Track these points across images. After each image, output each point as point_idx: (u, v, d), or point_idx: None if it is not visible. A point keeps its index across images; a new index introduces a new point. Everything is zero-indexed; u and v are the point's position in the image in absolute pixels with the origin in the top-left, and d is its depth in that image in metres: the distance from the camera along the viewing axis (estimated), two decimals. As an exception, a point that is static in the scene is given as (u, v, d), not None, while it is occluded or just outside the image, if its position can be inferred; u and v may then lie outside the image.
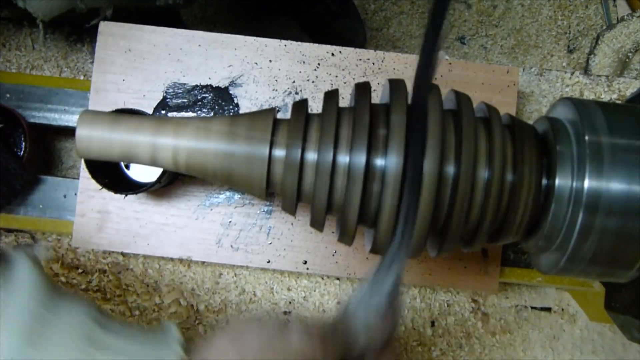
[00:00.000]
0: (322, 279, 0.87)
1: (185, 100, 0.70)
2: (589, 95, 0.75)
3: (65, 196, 0.72)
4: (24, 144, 0.72)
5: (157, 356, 0.38)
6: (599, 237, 0.45)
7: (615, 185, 0.45)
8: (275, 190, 0.50)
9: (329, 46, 0.70)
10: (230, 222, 0.69)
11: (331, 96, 0.49)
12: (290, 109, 0.57)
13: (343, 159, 0.46)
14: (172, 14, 0.94)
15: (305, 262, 0.69)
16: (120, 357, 0.38)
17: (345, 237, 0.49)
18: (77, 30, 0.75)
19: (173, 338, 0.40)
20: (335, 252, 0.69)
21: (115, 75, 0.69)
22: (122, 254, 0.84)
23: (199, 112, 0.70)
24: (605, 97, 0.75)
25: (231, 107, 0.70)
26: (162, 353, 0.39)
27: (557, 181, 0.47)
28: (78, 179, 0.70)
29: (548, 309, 0.91)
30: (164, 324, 0.41)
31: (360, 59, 0.70)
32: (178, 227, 0.69)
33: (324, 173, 0.46)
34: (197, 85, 0.70)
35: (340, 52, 0.70)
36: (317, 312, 0.86)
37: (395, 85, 0.49)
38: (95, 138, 0.46)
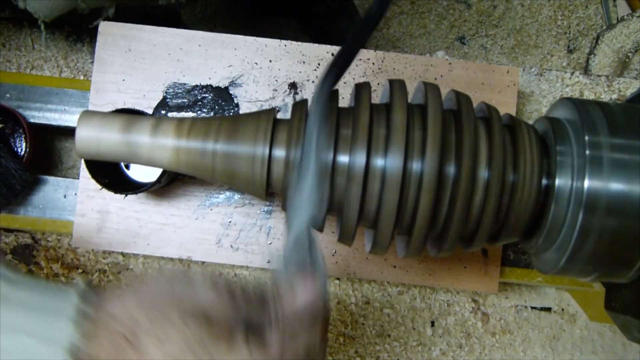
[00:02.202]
0: (322, 279, 0.87)
1: (185, 100, 0.70)
2: (589, 95, 0.75)
3: (65, 196, 0.72)
4: (24, 144, 0.72)
5: (56, 307, 0.36)
6: (599, 237, 0.45)
7: (615, 185, 0.45)
8: (275, 190, 0.50)
9: (329, 46, 0.70)
10: (230, 222, 0.69)
11: (331, 96, 0.49)
12: (290, 109, 0.57)
13: (343, 159, 0.46)
14: (173, 15, 0.94)
15: (305, 262, 0.69)
16: (15, 307, 0.36)
17: (345, 237, 0.49)
18: (77, 30, 0.75)
19: (75, 289, 0.38)
20: (335, 252, 0.69)
21: (115, 75, 0.69)
22: (122, 254, 0.84)
23: (199, 112, 0.70)
24: (605, 97, 0.75)
25: (231, 107, 0.70)
26: (60, 304, 0.37)
27: (557, 181, 0.47)
28: (78, 179, 0.70)
29: (548, 309, 0.91)
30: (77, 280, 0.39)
31: (360, 59, 0.70)
32: (178, 227, 0.69)
33: (324, 173, 0.46)
34: (197, 85, 0.70)
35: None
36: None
37: (395, 85, 0.49)
38: (95, 138, 0.46)
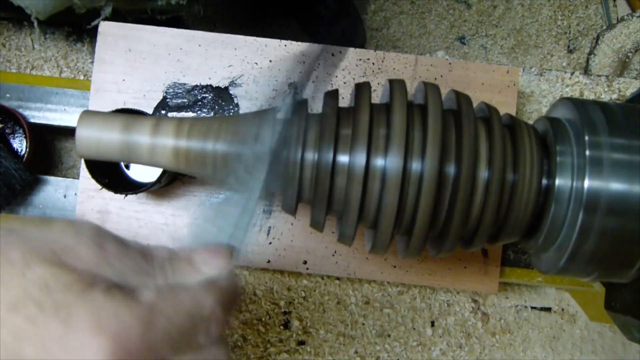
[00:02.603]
0: (322, 279, 0.87)
1: (185, 100, 0.70)
2: (589, 95, 0.75)
3: (65, 196, 0.72)
4: (24, 144, 0.72)
5: None
6: (599, 237, 0.45)
7: (615, 185, 0.45)
8: (275, 191, 0.50)
9: (329, 46, 0.70)
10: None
11: (331, 96, 0.50)
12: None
13: (343, 159, 0.46)
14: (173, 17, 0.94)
15: (305, 262, 0.69)
16: None
17: (345, 237, 0.49)
18: (77, 30, 0.75)
19: None
20: (335, 252, 0.69)
21: (115, 75, 0.69)
22: (122, 254, 0.84)
23: (199, 112, 0.70)
24: (605, 97, 0.75)
25: (231, 107, 0.70)
26: None
27: (557, 181, 0.47)
28: (78, 179, 0.70)
29: (548, 309, 0.91)
30: None
31: (360, 59, 0.70)
32: (178, 227, 0.69)
33: (324, 173, 0.46)
34: (197, 85, 0.70)
35: (340, 52, 0.70)
36: (317, 313, 0.86)
37: (395, 85, 0.49)
38: (95, 138, 0.46)
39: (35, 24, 0.63)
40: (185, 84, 0.70)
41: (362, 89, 0.49)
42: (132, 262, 0.32)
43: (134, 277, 0.31)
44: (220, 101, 0.70)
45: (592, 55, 1.08)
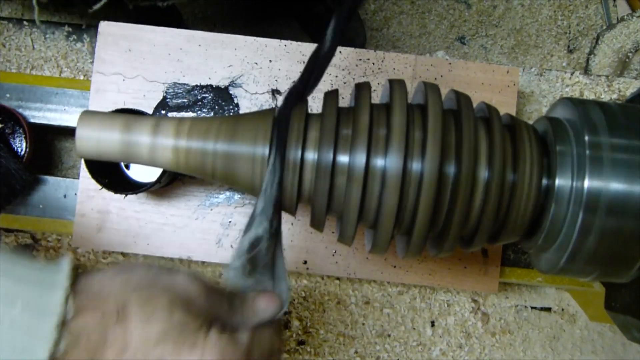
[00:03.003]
0: (322, 279, 0.87)
1: (185, 100, 0.70)
2: (589, 95, 0.75)
3: (65, 196, 0.72)
4: (24, 144, 0.72)
5: (50, 280, 0.37)
6: (599, 237, 0.45)
7: (615, 185, 0.45)
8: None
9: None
10: (230, 222, 0.69)
11: (331, 96, 0.49)
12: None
13: (343, 159, 0.46)
14: (173, 13, 0.94)
15: (305, 262, 0.69)
16: (11, 279, 0.37)
17: (345, 237, 0.49)
18: (77, 30, 0.75)
19: (66, 263, 0.38)
20: (335, 252, 0.69)
21: (115, 75, 0.69)
22: (122, 254, 0.84)
23: (199, 112, 0.70)
24: (605, 97, 0.75)
25: (231, 107, 0.70)
26: (53, 277, 0.37)
27: (557, 181, 0.47)
28: (78, 179, 0.70)
29: (548, 309, 0.91)
30: (61, 258, 0.40)
31: (360, 59, 0.70)
32: (178, 227, 0.69)
33: (324, 173, 0.46)
34: (197, 85, 0.70)
35: (340, 52, 0.70)
36: (317, 313, 0.86)
37: (395, 85, 0.49)
38: (95, 138, 0.46)
39: (35, 2, 0.62)
40: (185, 84, 0.70)
41: (362, 89, 0.49)
42: (224, 306, 0.42)
43: (225, 317, 0.41)
44: (220, 101, 0.70)
45: (592, 55, 1.08)
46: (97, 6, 0.66)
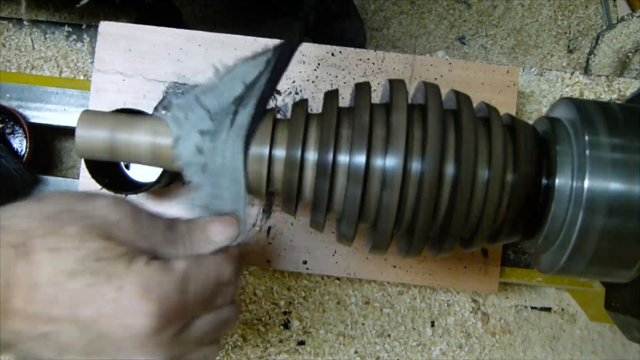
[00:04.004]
0: (322, 279, 0.87)
1: (185, 100, 0.70)
2: (589, 95, 0.75)
3: (65, 196, 0.72)
4: (24, 144, 0.72)
5: None
6: (599, 237, 0.45)
7: (615, 185, 0.45)
8: (275, 190, 0.50)
9: (329, 46, 0.70)
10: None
11: (331, 96, 0.49)
12: (290, 109, 0.57)
13: (343, 159, 0.46)
14: (173, 11, 0.94)
15: (305, 262, 0.69)
16: None
17: (345, 237, 0.49)
18: (77, 30, 0.75)
19: None
20: (335, 252, 0.69)
21: (115, 75, 0.69)
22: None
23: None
24: (605, 97, 0.75)
25: (231, 107, 0.70)
26: None
27: (557, 181, 0.47)
28: (78, 179, 0.70)
29: (548, 309, 0.91)
30: None
31: (360, 59, 0.70)
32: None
33: (324, 173, 0.46)
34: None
35: (340, 52, 0.70)
36: (317, 313, 0.86)
37: (395, 85, 0.49)
38: (95, 138, 0.46)
39: None
40: (185, 84, 0.70)
41: (362, 89, 0.49)
42: (161, 234, 0.37)
43: (163, 247, 0.37)
44: (220, 101, 0.70)
45: (592, 55, 1.08)
46: (83, 2, 0.66)
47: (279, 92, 0.70)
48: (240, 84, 0.45)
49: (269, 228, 0.69)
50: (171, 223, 0.39)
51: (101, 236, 0.34)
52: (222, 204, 0.42)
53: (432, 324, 0.88)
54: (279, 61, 0.46)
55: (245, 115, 0.44)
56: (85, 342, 0.33)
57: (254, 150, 0.47)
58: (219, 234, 0.40)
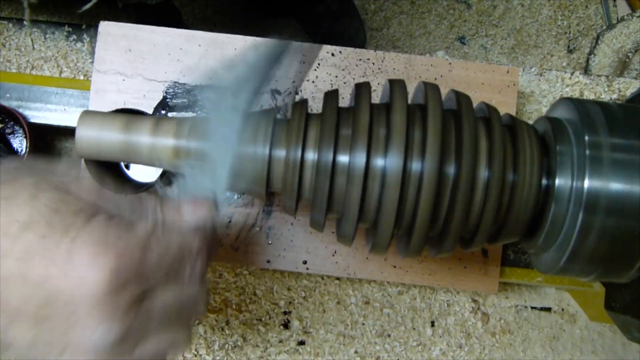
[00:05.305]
0: (322, 279, 0.87)
1: (185, 100, 0.70)
2: (589, 95, 0.75)
3: (65, 196, 0.72)
4: (24, 144, 0.72)
5: None
6: (599, 237, 0.45)
7: (615, 185, 0.45)
8: (275, 190, 0.50)
9: (329, 46, 0.70)
10: (230, 222, 0.69)
11: (331, 96, 0.50)
12: (290, 109, 0.57)
13: (343, 159, 0.46)
14: (173, 11, 0.94)
15: (305, 262, 0.69)
16: None
17: (345, 237, 0.49)
18: (77, 30, 0.75)
19: None
20: (335, 252, 0.69)
21: (115, 75, 0.69)
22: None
23: (199, 112, 0.70)
24: (605, 97, 0.75)
25: (231, 107, 0.70)
26: None
27: (557, 181, 0.47)
28: (78, 179, 0.70)
29: (548, 309, 0.91)
30: None
31: (360, 59, 0.70)
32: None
33: (324, 173, 0.46)
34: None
35: (340, 52, 0.70)
36: (317, 313, 0.86)
37: (395, 85, 0.49)
38: (95, 138, 0.46)
39: (26, 3, 0.62)
40: (185, 84, 0.70)
41: (362, 89, 0.49)
42: (127, 203, 0.35)
43: (129, 214, 0.34)
44: (220, 101, 0.70)
45: (592, 55, 1.08)
46: (86, 6, 0.66)
47: (279, 92, 0.70)
48: (237, 78, 0.45)
49: (269, 228, 0.69)
50: (140, 196, 0.37)
51: (59, 189, 0.32)
52: (201, 188, 0.41)
53: (432, 324, 0.88)
54: (271, 60, 0.46)
55: (239, 105, 0.44)
56: (36, 305, 0.30)
57: (254, 150, 0.47)
58: (191, 214, 0.38)
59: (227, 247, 0.69)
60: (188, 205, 0.38)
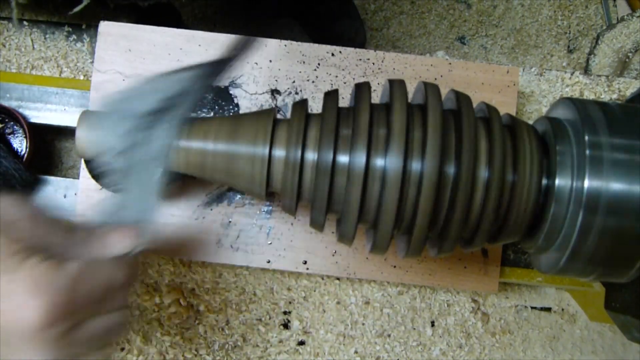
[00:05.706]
0: (322, 279, 0.87)
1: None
2: (589, 95, 0.75)
3: (65, 196, 0.72)
4: (24, 144, 0.72)
5: None
6: (599, 237, 0.45)
7: (615, 185, 0.45)
8: (275, 190, 0.50)
9: (329, 46, 0.70)
10: (230, 222, 0.69)
11: (331, 96, 0.50)
12: (290, 109, 0.57)
13: (343, 159, 0.46)
14: (172, 12, 0.94)
15: (305, 262, 0.69)
16: None
17: (345, 237, 0.49)
18: (77, 30, 0.75)
19: None
20: (335, 252, 0.69)
21: (115, 76, 0.69)
22: (122, 254, 0.84)
23: (199, 112, 0.70)
24: (605, 97, 0.75)
25: (231, 107, 0.70)
26: None
27: (557, 181, 0.47)
28: (78, 179, 0.70)
29: (548, 309, 0.91)
30: None
31: (360, 59, 0.70)
32: (178, 227, 0.69)
33: (324, 173, 0.46)
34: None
35: (340, 52, 0.70)
36: (317, 312, 0.86)
37: (395, 85, 0.49)
38: (95, 138, 0.46)
39: (13, 4, 0.62)
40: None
41: (362, 89, 0.49)
42: (59, 237, 0.38)
43: (59, 249, 0.38)
44: (220, 101, 0.70)
45: (592, 55, 1.08)
46: (77, 8, 0.66)
47: (279, 92, 0.70)
48: (164, 94, 0.45)
49: (269, 228, 0.69)
50: (71, 228, 0.40)
51: None
52: (128, 213, 0.43)
53: (432, 324, 0.88)
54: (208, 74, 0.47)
55: (164, 130, 0.44)
56: None
57: (254, 150, 0.47)
58: (117, 244, 0.40)
59: (227, 247, 0.69)
60: (114, 234, 0.41)
